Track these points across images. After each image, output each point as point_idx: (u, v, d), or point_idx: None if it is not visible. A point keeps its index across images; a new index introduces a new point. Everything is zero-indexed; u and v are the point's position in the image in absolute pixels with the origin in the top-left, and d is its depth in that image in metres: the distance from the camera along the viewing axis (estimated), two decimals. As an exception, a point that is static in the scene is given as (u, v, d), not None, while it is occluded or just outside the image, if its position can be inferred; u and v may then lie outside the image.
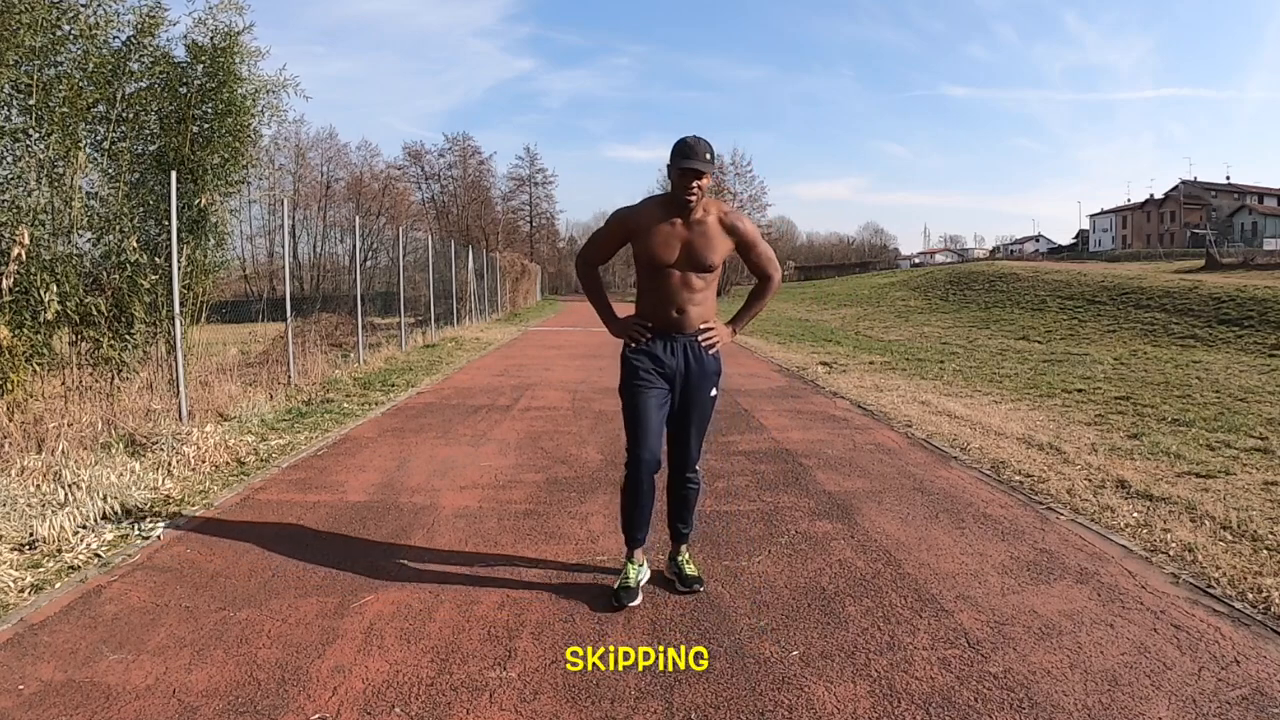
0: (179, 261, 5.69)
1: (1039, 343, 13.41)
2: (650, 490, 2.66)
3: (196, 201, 6.40)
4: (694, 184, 2.47)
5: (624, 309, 2.80)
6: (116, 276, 5.76)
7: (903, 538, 3.29)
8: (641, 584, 2.71)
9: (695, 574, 2.78)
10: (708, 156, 2.47)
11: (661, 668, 2.22)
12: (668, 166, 2.52)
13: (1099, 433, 5.45)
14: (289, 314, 7.95)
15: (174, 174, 5.72)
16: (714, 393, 2.70)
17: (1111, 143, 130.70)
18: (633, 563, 2.73)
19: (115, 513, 3.53)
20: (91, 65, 5.91)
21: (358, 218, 18.36)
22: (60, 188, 5.51)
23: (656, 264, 2.55)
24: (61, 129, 5.62)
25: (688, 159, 2.45)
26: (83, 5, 5.78)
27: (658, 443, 2.61)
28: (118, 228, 5.89)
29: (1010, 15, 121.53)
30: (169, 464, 4.33)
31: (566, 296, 51.73)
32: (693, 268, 2.56)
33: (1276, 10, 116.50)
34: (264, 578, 2.88)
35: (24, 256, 4.82)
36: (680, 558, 2.83)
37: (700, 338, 2.63)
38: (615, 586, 2.68)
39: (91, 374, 5.62)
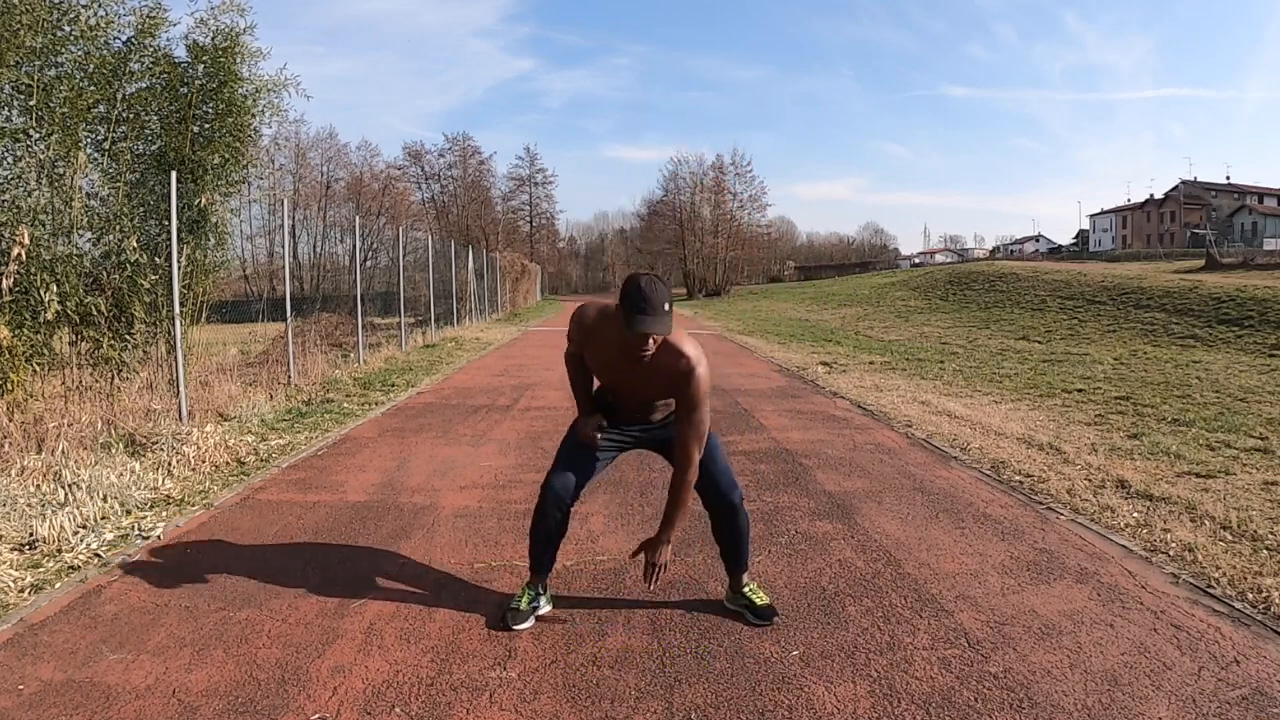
0: (179, 261, 5.69)
1: (1039, 343, 13.41)
2: (558, 524, 2.50)
3: (196, 201, 6.39)
4: (649, 341, 2.22)
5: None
6: (116, 276, 5.76)
7: (903, 538, 3.29)
8: (537, 612, 2.51)
9: (766, 603, 2.54)
10: (665, 307, 2.17)
11: (661, 667, 2.22)
12: (618, 305, 2.24)
13: (1099, 433, 5.45)
14: (289, 314, 7.95)
15: (174, 174, 5.72)
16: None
17: (1111, 143, 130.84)
18: (531, 587, 2.53)
19: (115, 513, 3.53)
20: (92, 66, 5.91)
21: (358, 218, 18.36)
22: (60, 188, 5.51)
23: (607, 377, 2.51)
24: (62, 129, 5.62)
25: (642, 318, 2.15)
26: (83, 6, 5.78)
27: (575, 479, 2.46)
28: (118, 227, 5.89)
29: (1010, 15, 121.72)
30: (169, 464, 4.33)
31: (566, 296, 51.75)
32: (644, 393, 2.48)
33: (1276, 10, 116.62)
34: (264, 578, 2.88)
35: (24, 256, 4.82)
36: (745, 589, 2.57)
37: (645, 580, 2.44)
38: (508, 606, 2.52)
39: (91, 374, 5.62)
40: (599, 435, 2.53)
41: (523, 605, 2.50)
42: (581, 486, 2.51)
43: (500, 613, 2.52)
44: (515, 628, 2.45)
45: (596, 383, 2.62)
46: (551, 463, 2.53)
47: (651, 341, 2.24)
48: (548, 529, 2.50)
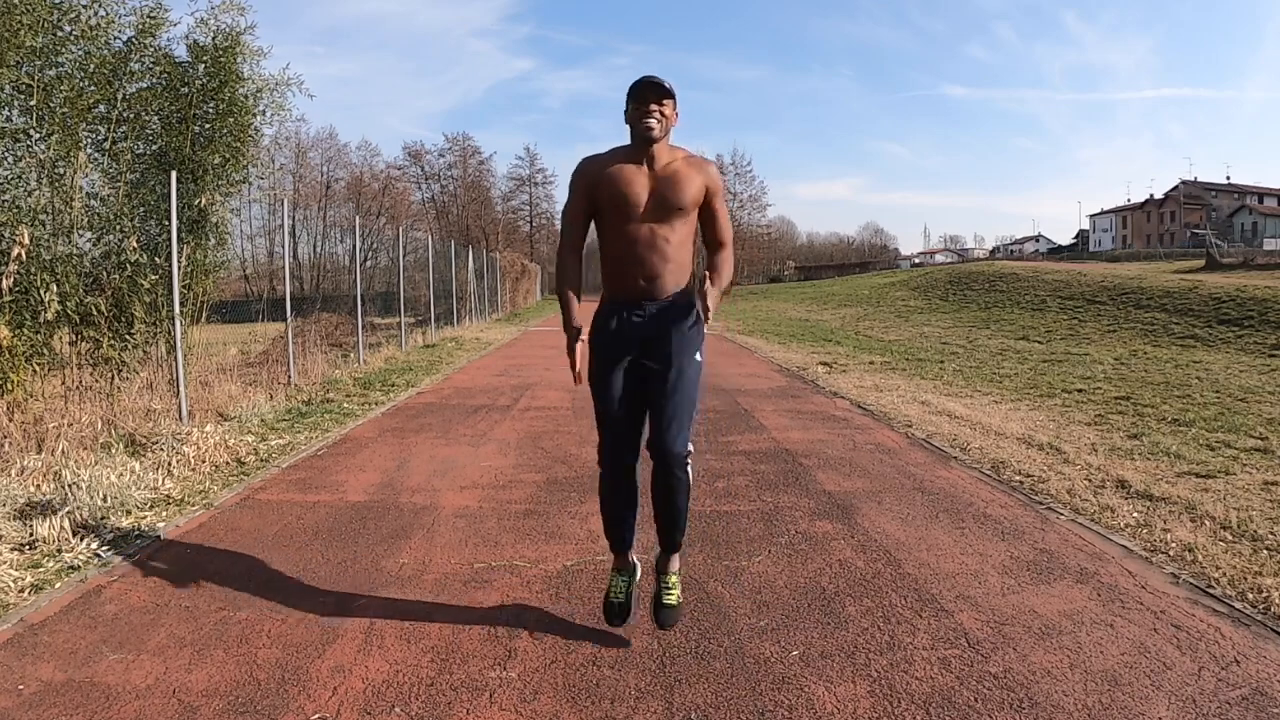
0: (179, 261, 5.69)
1: (1039, 343, 13.40)
2: (629, 488, 2.38)
3: (197, 201, 6.40)
4: (652, 106, 2.18)
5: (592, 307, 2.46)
6: (116, 276, 5.76)
7: (903, 538, 3.29)
8: (633, 591, 2.47)
9: (674, 603, 2.41)
10: (666, 85, 2.19)
11: (661, 666, 2.22)
12: (625, 112, 2.26)
13: (1099, 433, 5.45)
14: (289, 314, 7.95)
15: (174, 174, 5.73)
16: (698, 357, 2.32)
17: (1111, 143, 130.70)
18: (619, 573, 2.46)
19: (115, 513, 3.53)
20: (93, 66, 5.93)
21: (358, 218, 18.37)
22: (60, 188, 5.52)
23: (621, 212, 2.24)
24: (62, 129, 5.63)
25: (644, 80, 2.20)
26: (83, 6, 5.79)
27: (633, 437, 2.33)
28: (118, 228, 5.90)
29: (1010, 15, 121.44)
30: (169, 464, 4.33)
31: (566, 296, 51.43)
32: (662, 215, 2.24)
33: (1276, 10, 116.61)
34: (264, 578, 2.88)
35: (24, 256, 4.82)
36: (666, 577, 2.44)
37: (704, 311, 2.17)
38: (603, 602, 2.45)
39: (91, 374, 5.63)
40: (612, 365, 2.30)
41: (621, 595, 2.42)
42: (639, 442, 2.34)
43: (599, 609, 2.45)
44: (619, 628, 2.39)
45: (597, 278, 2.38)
46: (599, 434, 2.35)
47: (655, 108, 2.19)
48: (620, 503, 2.39)
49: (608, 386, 2.32)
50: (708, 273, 2.28)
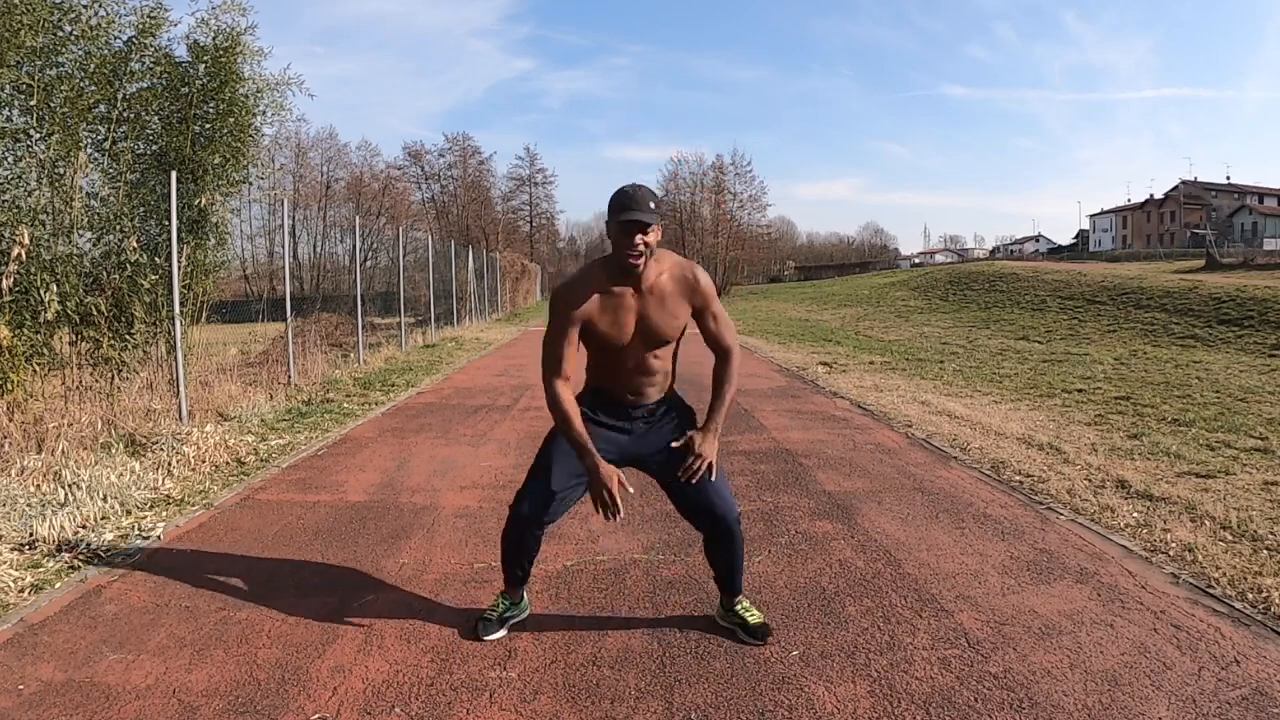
0: (179, 261, 5.69)
1: (1039, 343, 13.40)
2: (536, 541, 2.35)
3: (197, 201, 6.40)
4: (637, 238, 2.07)
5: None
6: (116, 276, 5.76)
7: (903, 538, 3.29)
8: (511, 621, 2.44)
9: (760, 621, 2.39)
10: (651, 205, 2.07)
11: (661, 666, 2.22)
12: (606, 223, 2.14)
13: (1099, 433, 5.45)
14: (289, 314, 7.95)
15: (174, 174, 5.72)
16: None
17: (1111, 143, 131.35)
18: (507, 597, 2.45)
19: (115, 513, 3.53)
20: (93, 66, 5.93)
21: (358, 218, 18.36)
22: (60, 188, 5.52)
23: (607, 341, 2.22)
24: (62, 129, 5.63)
25: (627, 209, 2.06)
26: (84, 6, 5.79)
27: (559, 509, 2.29)
28: (118, 228, 5.90)
29: (1010, 15, 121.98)
30: (169, 464, 4.33)
31: (566, 296, 51.36)
32: (650, 345, 2.23)
33: (1276, 10, 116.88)
34: (264, 578, 2.88)
35: (24, 256, 4.82)
36: (740, 607, 2.43)
37: (683, 474, 2.23)
38: (480, 615, 2.45)
39: (91, 374, 5.63)
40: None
41: (494, 615, 2.42)
42: (559, 514, 2.32)
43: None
44: (485, 638, 2.36)
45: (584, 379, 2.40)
46: (524, 484, 2.34)
47: (640, 240, 2.08)
48: (525, 552, 2.37)
49: (565, 462, 2.29)
50: (708, 408, 2.32)
